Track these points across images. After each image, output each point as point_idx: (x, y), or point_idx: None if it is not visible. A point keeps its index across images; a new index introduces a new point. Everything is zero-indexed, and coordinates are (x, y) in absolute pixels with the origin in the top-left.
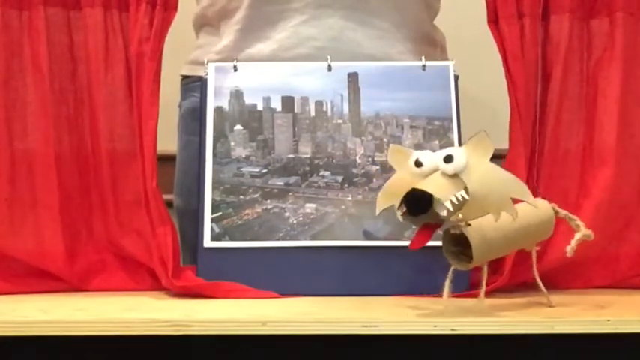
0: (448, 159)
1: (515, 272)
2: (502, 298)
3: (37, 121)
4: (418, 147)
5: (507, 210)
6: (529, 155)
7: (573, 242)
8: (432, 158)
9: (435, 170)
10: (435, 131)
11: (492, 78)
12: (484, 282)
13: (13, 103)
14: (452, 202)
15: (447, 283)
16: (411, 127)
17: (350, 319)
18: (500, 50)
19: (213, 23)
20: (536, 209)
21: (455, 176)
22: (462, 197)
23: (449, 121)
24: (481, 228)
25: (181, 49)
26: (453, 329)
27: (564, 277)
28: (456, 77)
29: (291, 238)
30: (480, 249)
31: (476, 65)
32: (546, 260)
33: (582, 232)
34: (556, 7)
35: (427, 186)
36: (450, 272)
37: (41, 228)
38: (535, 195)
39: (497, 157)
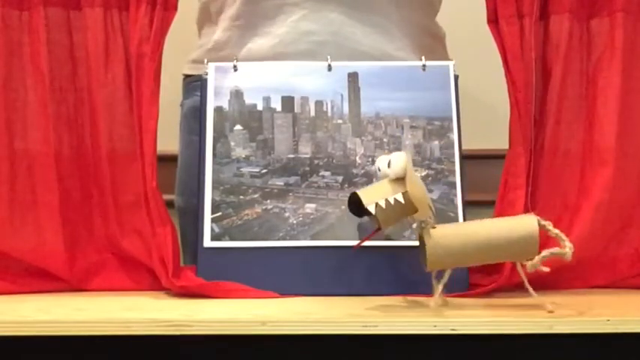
0: (388, 164)
1: (515, 272)
2: (502, 298)
3: (37, 121)
4: (418, 147)
5: (426, 215)
6: (529, 155)
7: (545, 252)
8: (383, 163)
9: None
10: (435, 131)
11: (492, 78)
12: (440, 286)
13: (13, 103)
14: (378, 206)
15: (434, 283)
16: (411, 127)
17: (350, 319)
18: (500, 50)
19: (213, 19)
20: (515, 224)
21: (399, 180)
22: (395, 200)
23: (449, 121)
24: (442, 232)
25: (182, 49)
26: (453, 329)
27: (564, 277)
28: (456, 77)
29: (291, 238)
30: (433, 251)
31: (476, 65)
32: (546, 261)
33: (557, 250)
34: (556, 7)
35: (364, 190)
36: (446, 275)
37: (41, 228)
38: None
39: (497, 157)
